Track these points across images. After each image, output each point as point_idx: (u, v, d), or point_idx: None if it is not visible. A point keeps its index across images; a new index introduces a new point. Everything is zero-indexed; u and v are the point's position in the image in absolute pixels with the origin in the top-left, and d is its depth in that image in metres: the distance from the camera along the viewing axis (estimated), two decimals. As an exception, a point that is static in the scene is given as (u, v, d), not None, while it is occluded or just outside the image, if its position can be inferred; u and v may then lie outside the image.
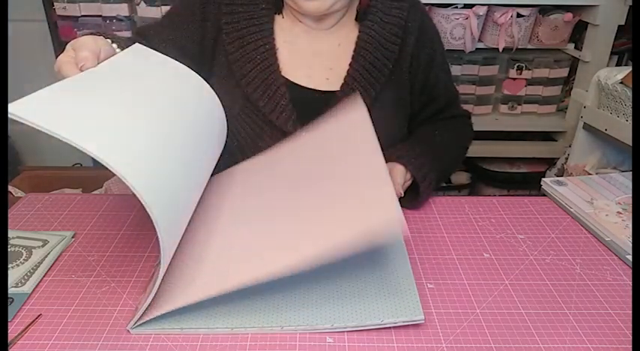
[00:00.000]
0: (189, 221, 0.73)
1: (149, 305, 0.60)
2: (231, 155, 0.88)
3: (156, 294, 0.59)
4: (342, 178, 0.68)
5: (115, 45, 0.73)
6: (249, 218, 0.70)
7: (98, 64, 0.65)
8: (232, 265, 0.62)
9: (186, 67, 0.75)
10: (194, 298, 0.59)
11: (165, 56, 0.74)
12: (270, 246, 0.62)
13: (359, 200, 0.60)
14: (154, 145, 0.59)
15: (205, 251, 0.66)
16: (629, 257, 0.72)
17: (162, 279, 0.59)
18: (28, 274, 0.68)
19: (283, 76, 0.87)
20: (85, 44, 0.65)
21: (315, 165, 0.75)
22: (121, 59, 0.69)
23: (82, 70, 0.63)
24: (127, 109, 0.60)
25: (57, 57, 0.65)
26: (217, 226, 0.71)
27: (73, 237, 0.77)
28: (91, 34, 0.71)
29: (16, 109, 0.50)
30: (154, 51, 0.75)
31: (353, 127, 0.76)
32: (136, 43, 0.74)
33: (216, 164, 0.80)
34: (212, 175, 0.78)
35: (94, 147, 0.51)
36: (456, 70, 1.79)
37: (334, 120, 0.79)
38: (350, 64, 0.86)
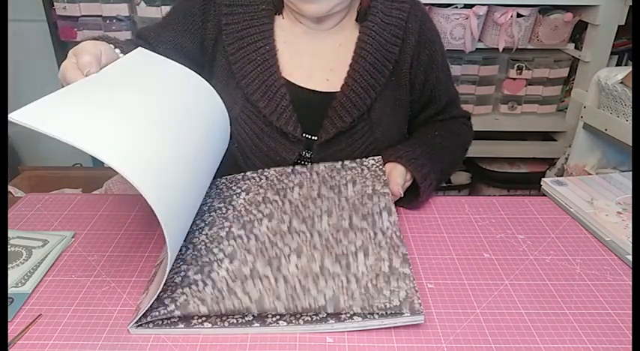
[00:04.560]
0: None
1: (150, 305, 0.60)
2: (232, 156, 0.88)
3: (158, 295, 0.60)
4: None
5: (117, 50, 0.73)
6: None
7: (101, 68, 0.65)
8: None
9: (188, 69, 0.75)
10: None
11: (167, 59, 0.74)
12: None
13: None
14: (161, 149, 0.60)
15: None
16: (629, 257, 0.72)
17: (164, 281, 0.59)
18: (28, 274, 0.68)
19: (283, 77, 0.87)
20: (86, 49, 0.65)
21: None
22: (125, 63, 0.69)
23: (86, 75, 0.63)
24: (133, 113, 0.60)
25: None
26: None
27: (73, 237, 0.77)
28: (93, 38, 0.72)
29: (25, 116, 0.51)
30: (157, 54, 0.75)
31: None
32: (139, 47, 0.74)
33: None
34: (216, 177, 0.79)
35: (100, 149, 0.51)
36: (456, 70, 1.79)
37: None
38: (350, 65, 0.86)
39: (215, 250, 0.69)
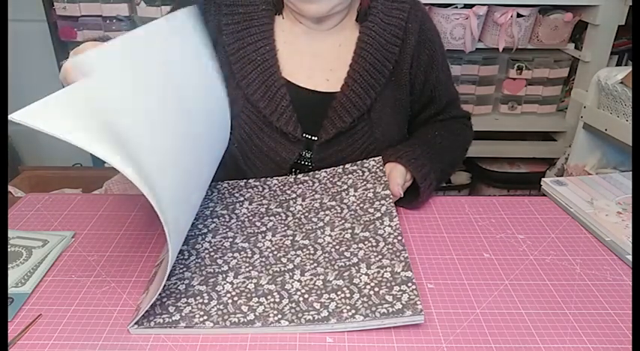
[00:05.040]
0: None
1: (152, 309, 0.60)
2: (232, 156, 0.88)
3: (161, 301, 0.60)
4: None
5: None
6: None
7: None
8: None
9: (208, 60, 0.74)
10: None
11: (195, 33, 0.72)
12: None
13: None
14: (161, 147, 0.59)
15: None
16: (629, 257, 0.72)
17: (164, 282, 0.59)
18: (28, 274, 0.68)
19: (283, 78, 0.87)
20: (87, 50, 0.66)
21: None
22: (150, 32, 0.67)
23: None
24: (133, 114, 0.60)
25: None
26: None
27: (73, 237, 0.77)
28: (94, 40, 0.72)
29: (25, 116, 0.51)
30: (189, 23, 0.72)
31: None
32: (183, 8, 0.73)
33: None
34: (215, 177, 0.79)
35: (98, 147, 0.51)
36: (456, 70, 1.79)
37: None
38: (350, 65, 0.86)
39: (219, 261, 0.69)
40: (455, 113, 1.00)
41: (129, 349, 0.58)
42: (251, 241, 0.73)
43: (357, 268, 0.66)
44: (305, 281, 0.65)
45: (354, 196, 0.79)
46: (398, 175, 0.83)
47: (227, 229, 0.75)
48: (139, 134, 0.58)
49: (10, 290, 0.66)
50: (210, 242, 0.73)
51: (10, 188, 1.59)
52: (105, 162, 0.52)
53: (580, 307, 0.64)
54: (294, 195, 0.82)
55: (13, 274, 0.68)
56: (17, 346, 0.58)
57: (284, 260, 0.69)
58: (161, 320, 0.60)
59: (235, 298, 0.63)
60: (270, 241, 0.73)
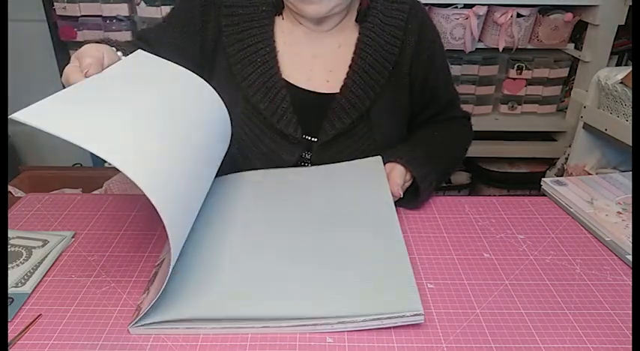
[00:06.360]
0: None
1: (152, 306, 0.60)
2: (232, 157, 0.87)
3: (159, 296, 0.60)
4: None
5: (119, 53, 0.73)
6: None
7: (103, 70, 0.66)
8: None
9: (188, 70, 0.75)
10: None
11: (166, 61, 0.74)
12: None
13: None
14: (164, 148, 0.60)
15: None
16: (629, 257, 0.72)
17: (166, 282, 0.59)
18: (28, 274, 0.68)
19: (284, 79, 0.87)
20: (88, 52, 0.66)
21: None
22: (126, 64, 0.69)
23: (86, 76, 0.63)
24: (136, 113, 0.60)
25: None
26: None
27: (73, 237, 0.77)
28: (95, 42, 0.72)
29: (28, 115, 0.51)
30: (156, 57, 0.75)
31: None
32: (139, 50, 0.74)
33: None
34: (217, 176, 0.79)
35: (100, 147, 0.51)
36: (456, 70, 1.79)
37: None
38: (350, 66, 0.86)
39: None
40: (455, 113, 1.00)
41: (129, 349, 0.58)
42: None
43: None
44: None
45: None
46: (397, 175, 0.83)
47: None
48: (140, 133, 0.58)
49: (10, 290, 0.66)
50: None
51: (10, 188, 1.59)
52: (105, 162, 0.52)
53: (580, 307, 0.64)
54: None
55: (13, 274, 0.68)
56: (17, 346, 0.58)
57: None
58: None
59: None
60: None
